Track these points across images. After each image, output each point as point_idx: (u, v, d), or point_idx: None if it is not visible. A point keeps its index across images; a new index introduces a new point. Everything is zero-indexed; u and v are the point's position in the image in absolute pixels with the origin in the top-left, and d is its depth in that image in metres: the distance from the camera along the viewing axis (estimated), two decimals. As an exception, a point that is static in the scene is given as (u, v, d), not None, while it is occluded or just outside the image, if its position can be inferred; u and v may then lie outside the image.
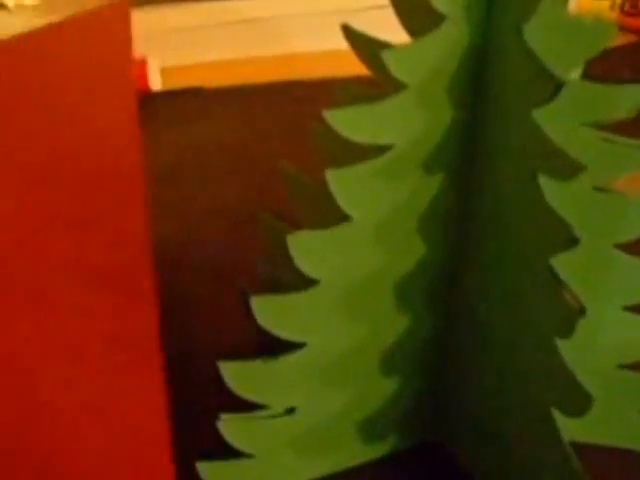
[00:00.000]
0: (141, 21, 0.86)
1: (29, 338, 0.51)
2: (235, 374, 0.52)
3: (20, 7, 0.59)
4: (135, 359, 0.51)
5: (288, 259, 0.49)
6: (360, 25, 0.49)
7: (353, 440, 0.59)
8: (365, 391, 0.57)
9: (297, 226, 0.50)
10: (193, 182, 0.85)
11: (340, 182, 0.47)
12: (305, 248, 0.49)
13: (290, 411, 0.55)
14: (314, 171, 0.50)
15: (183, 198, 0.82)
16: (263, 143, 0.88)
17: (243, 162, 0.85)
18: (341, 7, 0.93)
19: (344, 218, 0.49)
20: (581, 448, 0.51)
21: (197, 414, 0.56)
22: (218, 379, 0.52)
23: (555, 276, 0.47)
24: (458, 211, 0.51)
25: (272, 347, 0.53)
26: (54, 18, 0.54)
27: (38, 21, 0.64)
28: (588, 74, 0.50)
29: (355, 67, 0.51)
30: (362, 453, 0.59)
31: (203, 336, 0.68)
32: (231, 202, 0.78)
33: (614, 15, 1.10)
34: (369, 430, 0.59)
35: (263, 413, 0.54)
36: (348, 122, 0.46)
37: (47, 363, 0.51)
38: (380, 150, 0.48)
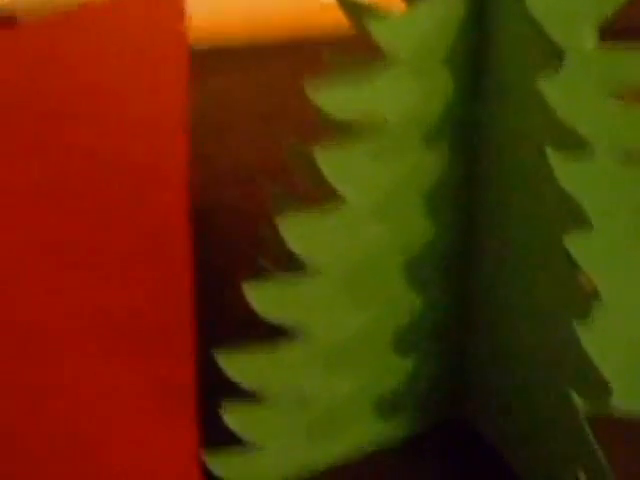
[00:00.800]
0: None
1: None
2: (232, 363, 0.50)
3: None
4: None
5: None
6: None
7: (371, 423, 0.56)
8: (379, 372, 0.54)
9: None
10: (211, 138, 0.83)
11: (330, 162, 0.44)
12: (298, 231, 0.46)
13: (299, 398, 0.53)
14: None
15: (201, 155, 0.79)
16: (280, 99, 0.85)
17: (260, 118, 0.82)
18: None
19: (339, 199, 0.46)
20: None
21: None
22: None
23: (569, 258, 0.44)
24: (463, 188, 0.48)
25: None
26: None
27: None
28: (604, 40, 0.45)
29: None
30: (381, 436, 0.57)
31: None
32: (250, 157, 0.76)
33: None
34: (387, 412, 0.56)
35: (268, 401, 0.52)
36: (334, 99, 0.43)
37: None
38: (372, 128, 0.44)
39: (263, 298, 0.48)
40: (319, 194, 0.49)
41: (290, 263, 0.56)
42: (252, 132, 0.83)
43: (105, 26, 0.54)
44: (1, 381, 0.52)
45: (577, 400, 0.47)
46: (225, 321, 0.62)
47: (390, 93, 0.43)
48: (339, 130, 0.46)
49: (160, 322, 0.51)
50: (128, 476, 0.51)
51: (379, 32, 0.42)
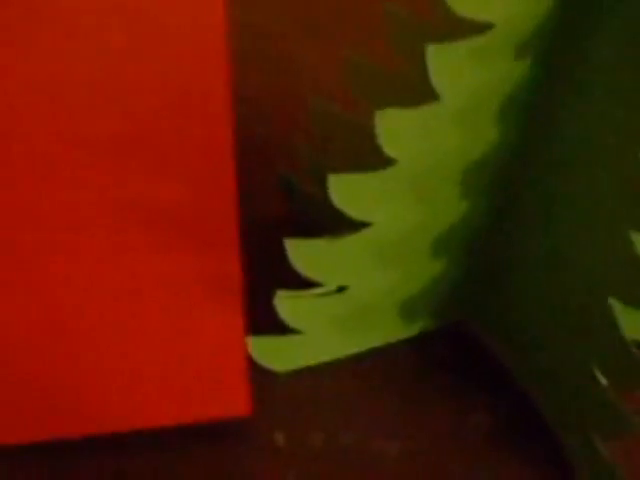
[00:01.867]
0: None
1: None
2: (299, 251, 0.51)
3: None
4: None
5: (339, 144, 0.47)
6: None
7: (392, 319, 0.59)
8: (414, 272, 0.57)
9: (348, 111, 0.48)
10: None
11: (439, 59, 0.45)
12: (392, 127, 0.47)
13: (341, 289, 0.55)
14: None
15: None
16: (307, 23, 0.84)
17: (278, 48, 0.81)
18: None
19: (436, 97, 0.47)
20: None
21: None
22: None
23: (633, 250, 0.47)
24: (541, 103, 0.50)
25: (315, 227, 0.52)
26: None
27: None
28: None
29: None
30: (398, 331, 0.60)
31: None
32: (254, 90, 0.75)
33: None
34: (409, 310, 0.59)
35: (316, 291, 0.54)
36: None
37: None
38: (480, 29, 0.46)
39: (344, 191, 0.49)
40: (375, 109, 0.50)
41: (316, 168, 0.58)
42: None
43: None
44: (43, 273, 0.51)
45: (616, 306, 0.49)
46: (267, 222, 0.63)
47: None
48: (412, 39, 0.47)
49: (205, 213, 0.52)
50: (175, 366, 0.52)
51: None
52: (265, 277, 0.55)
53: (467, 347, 0.61)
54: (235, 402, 0.51)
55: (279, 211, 0.54)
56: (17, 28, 0.49)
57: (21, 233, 0.51)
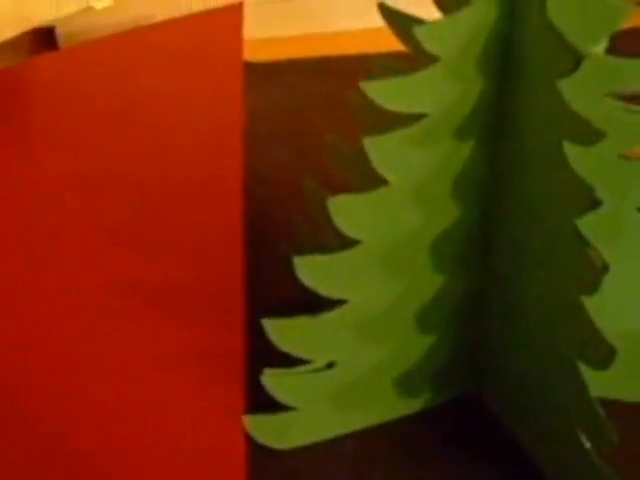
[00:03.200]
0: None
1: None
2: (279, 330, 0.55)
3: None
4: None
5: (330, 222, 0.53)
6: (397, 4, 0.52)
7: (391, 394, 0.62)
8: (403, 346, 0.60)
9: (338, 192, 0.54)
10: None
11: (377, 148, 0.51)
12: (345, 211, 0.52)
13: (330, 365, 0.59)
14: (353, 140, 0.53)
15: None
16: (304, 114, 0.92)
17: (284, 132, 0.89)
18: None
19: (383, 182, 0.52)
20: (609, 404, 0.53)
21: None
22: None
23: (580, 236, 0.50)
24: (489, 175, 0.55)
25: (314, 304, 0.56)
26: (125, 19, 0.63)
27: (93, 1, 0.72)
28: (612, 49, 0.53)
29: (392, 44, 0.54)
30: (399, 407, 0.63)
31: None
32: (274, 169, 0.82)
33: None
34: (406, 384, 0.62)
35: (304, 368, 0.58)
36: (384, 93, 0.50)
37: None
38: (415, 118, 0.51)
39: (311, 271, 0.54)
40: (353, 186, 0.55)
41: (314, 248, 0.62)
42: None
43: (172, 42, 0.62)
44: (52, 352, 0.57)
45: (584, 370, 0.52)
46: (270, 295, 0.67)
47: (431, 88, 0.50)
48: (377, 122, 0.53)
49: (213, 294, 0.57)
50: (175, 439, 0.56)
51: (423, 35, 0.48)
52: (270, 352, 0.58)
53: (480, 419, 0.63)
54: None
55: (290, 291, 0.58)
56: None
57: (34, 313, 0.57)
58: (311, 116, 0.91)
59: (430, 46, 0.49)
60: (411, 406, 0.63)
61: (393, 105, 0.50)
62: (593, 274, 0.50)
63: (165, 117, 0.61)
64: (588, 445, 0.54)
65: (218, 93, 0.65)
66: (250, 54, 0.86)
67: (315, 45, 1.04)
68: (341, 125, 0.58)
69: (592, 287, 0.50)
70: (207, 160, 0.61)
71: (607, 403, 0.53)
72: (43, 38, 0.96)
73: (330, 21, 1.03)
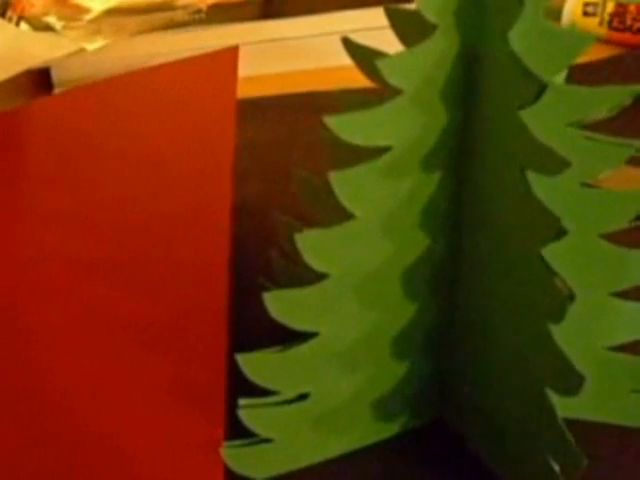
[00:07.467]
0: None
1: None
2: (251, 364, 0.56)
3: (68, 29, 0.70)
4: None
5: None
6: (373, 42, 0.53)
7: (366, 421, 0.62)
8: (376, 375, 0.61)
9: (311, 226, 0.54)
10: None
11: (343, 183, 0.51)
12: (313, 245, 0.52)
13: (304, 396, 0.59)
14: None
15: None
16: (282, 147, 0.93)
17: (262, 165, 0.89)
18: (357, 27, 1.03)
19: (349, 216, 0.52)
20: (575, 424, 0.54)
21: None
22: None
23: (546, 265, 0.51)
24: (455, 206, 0.55)
25: (297, 336, 0.56)
26: (100, 39, 0.64)
27: (85, 43, 0.74)
28: (572, 79, 0.53)
29: (362, 80, 0.54)
30: (374, 433, 0.63)
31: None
32: (250, 201, 0.82)
33: (603, 31, 1.15)
34: (381, 411, 0.62)
35: (278, 397, 0.58)
36: (347, 126, 0.50)
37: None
38: (379, 152, 0.51)
39: (281, 305, 0.54)
40: (322, 219, 0.56)
41: (290, 280, 0.63)
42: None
43: (168, 84, 0.64)
44: (34, 385, 0.57)
45: (554, 401, 0.53)
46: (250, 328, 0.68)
47: (395, 121, 0.50)
48: (346, 156, 0.53)
49: (195, 332, 0.57)
50: (154, 473, 0.57)
51: (385, 67, 0.49)
52: (252, 385, 0.59)
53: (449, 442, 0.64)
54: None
55: (272, 323, 0.59)
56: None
57: (12, 348, 0.57)
58: (289, 151, 0.91)
59: (392, 79, 0.49)
60: (387, 430, 0.64)
61: (357, 139, 0.50)
62: (560, 302, 0.50)
63: (159, 157, 0.62)
64: (557, 468, 0.54)
65: (211, 134, 0.66)
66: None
67: (301, 81, 1.05)
68: (318, 159, 0.58)
69: (559, 315, 0.50)
70: (197, 198, 0.62)
71: (571, 423, 0.53)
72: (38, 78, 0.98)
73: (319, 58, 1.06)
